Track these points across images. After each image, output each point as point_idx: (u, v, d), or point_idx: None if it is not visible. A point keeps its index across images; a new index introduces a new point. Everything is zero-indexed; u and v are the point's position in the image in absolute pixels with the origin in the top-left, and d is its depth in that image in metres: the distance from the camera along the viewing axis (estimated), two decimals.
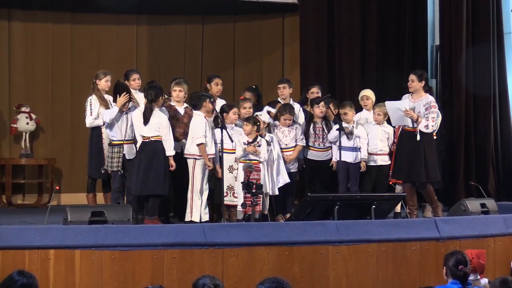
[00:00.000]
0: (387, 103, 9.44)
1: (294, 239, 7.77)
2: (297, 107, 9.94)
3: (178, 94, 9.27)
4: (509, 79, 11.84)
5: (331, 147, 9.82)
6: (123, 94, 8.93)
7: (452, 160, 11.66)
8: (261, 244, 7.64)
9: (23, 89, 12.13)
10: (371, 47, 12.15)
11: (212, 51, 12.97)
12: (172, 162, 8.72)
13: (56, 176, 11.85)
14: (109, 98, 9.41)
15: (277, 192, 9.23)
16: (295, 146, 9.62)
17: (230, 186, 8.94)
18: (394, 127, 9.88)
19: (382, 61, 12.13)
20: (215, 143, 8.97)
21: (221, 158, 8.91)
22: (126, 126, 8.98)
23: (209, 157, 8.89)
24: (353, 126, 9.73)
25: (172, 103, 9.28)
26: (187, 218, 8.84)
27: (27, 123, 11.73)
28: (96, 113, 9.32)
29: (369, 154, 9.81)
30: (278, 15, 13.13)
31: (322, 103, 9.80)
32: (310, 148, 9.81)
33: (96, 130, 9.39)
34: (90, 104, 9.35)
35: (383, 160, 9.86)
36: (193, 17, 13.00)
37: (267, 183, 8.99)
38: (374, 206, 8.43)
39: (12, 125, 11.77)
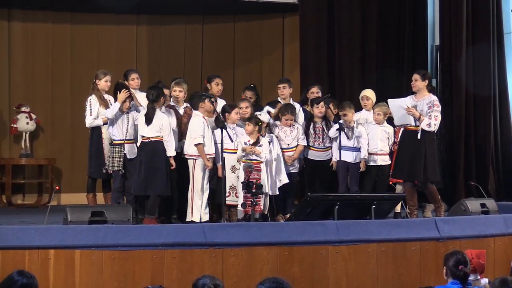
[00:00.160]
0: (390, 101, 9.46)
1: (294, 239, 7.77)
2: (297, 107, 9.93)
3: (178, 94, 9.31)
4: (509, 79, 11.83)
5: (331, 147, 9.82)
6: (123, 90, 8.95)
7: (452, 160, 11.65)
8: (261, 244, 7.64)
9: (23, 89, 12.12)
10: (371, 47, 12.14)
11: (212, 51, 12.96)
12: (172, 161, 8.73)
13: (56, 176, 11.84)
14: (109, 98, 9.42)
15: (277, 192, 9.23)
16: (296, 146, 9.61)
17: (233, 186, 8.95)
18: (394, 127, 9.89)
19: (382, 61, 12.11)
20: (216, 143, 8.96)
21: (223, 158, 8.91)
22: (127, 125, 9.00)
23: (208, 157, 8.89)
24: (353, 126, 9.73)
25: (172, 103, 9.29)
26: (188, 218, 8.84)
27: (27, 123, 11.72)
28: (95, 113, 9.32)
29: (369, 154, 9.80)
30: (278, 15, 13.11)
31: (321, 103, 9.80)
32: (310, 148, 9.80)
33: (96, 130, 9.39)
34: (90, 104, 9.35)
35: (383, 160, 9.85)
36: (193, 17, 12.99)
37: (266, 183, 8.98)
38: (374, 206, 8.43)
39: (12, 125, 11.76)
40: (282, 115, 9.57)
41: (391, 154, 9.90)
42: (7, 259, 7.01)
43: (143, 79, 10.03)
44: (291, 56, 12.82)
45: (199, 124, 8.92)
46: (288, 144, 9.57)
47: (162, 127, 8.68)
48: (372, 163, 9.83)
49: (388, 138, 9.90)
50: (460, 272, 5.89)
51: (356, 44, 12.12)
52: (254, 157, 8.93)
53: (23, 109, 11.75)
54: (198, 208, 8.83)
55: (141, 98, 9.36)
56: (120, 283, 7.25)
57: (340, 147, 9.52)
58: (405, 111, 9.14)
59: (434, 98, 9.31)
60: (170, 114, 8.99)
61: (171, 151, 8.73)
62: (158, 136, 8.68)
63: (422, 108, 9.19)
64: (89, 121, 9.36)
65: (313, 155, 9.84)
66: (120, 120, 9.02)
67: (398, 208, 9.57)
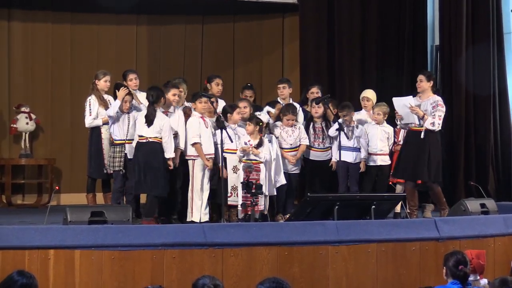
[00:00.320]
0: (395, 99, 9.50)
1: (294, 239, 7.76)
2: (296, 107, 9.92)
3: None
4: (508, 79, 11.82)
5: (330, 147, 9.81)
6: (121, 88, 8.95)
7: (452, 160, 11.64)
8: (261, 244, 7.64)
9: (23, 89, 12.10)
10: (371, 47, 12.14)
11: (211, 51, 12.95)
12: (170, 162, 8.70)
13: (55, 176, 11.82)
14: (109, 98, 9.42)
15: (274, 193, 9.21)
16: (299, 146, 9.60)
17: (235, 187, 8.94)
18: (394, 127, 9.90)
19: (382, 61, 12.11)
20: (216, 144, 8.95)
21: (224, 159, 8.91)
22: (128, 125, 9.00)
23: (207, 156, 8.89)
24: (353, 126, 9.72)
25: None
26: (188, 219, 8.83)
27: (27, 123, 11.70)
28: (95, 113, 9.32)
29: (369, 154, 9.80)
30: (278, 15, 13.10)
31: (317, 104, 9.78)
32: (310, 148, 9.78)
33: (96, 130, 9.39)
34: (89, 104, 9.35)
35: (383, 160, 9.84)
36: (193, 17, 12.98)
37: (265, 183, 8.97)
38: (374, 206, 8.43)
39: (11, 125, 11.73)
40: (284, 115, 9.56)
41: (391, 154, 9.90)
42: (7, 259, 7.00)
43: (143, 79, 10.02)
44: (291, 56, 12.81)
45: (194, 124, 8.92)
46: (291, 144, 9.56)
47: (162, 127, 8.66)
48: (371, 163, 9.82)
49: (388, 138, 9.89)
50: (460, 272, 5.88)
51: (356, 44, 12.12)
52: (253, 157, 8.92)
53: (22, 109, 11.73)
54: (198, 208, 8.82)
55: (141, 98, 9.38)
56: (120, 283, 7.24)
57: (340, 147, 9.51)
58: (409, 110, 9.16)
59: (438, 98, 9.35)
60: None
61: (169, 153, 8.69)
62: (157, 137, 8.66)
63: (426, 108, 9.22)
64: (89, 121, 9.36)
65: (312, 155, 9.82)
66: (121, 120, 9.01)
67: (398, 208, 9.56)
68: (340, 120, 9.56)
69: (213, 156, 8.95)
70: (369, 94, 10.26)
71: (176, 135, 8.86)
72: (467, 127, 11.61)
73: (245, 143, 8.95)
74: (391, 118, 9.96)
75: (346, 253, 7.87)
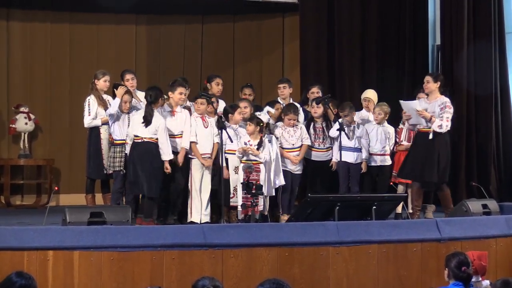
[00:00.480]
0: (402, 103, 9.47)
1: (294, 240, 7.73)
2: (297, 106, 9.89)
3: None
4: (510, 78, 11.78)
5: (331, 147, 9.77)
6: (120, 87, 8.95)
7: (453, 160, 11.55)
8: (261, 245, 7.61)
9: (22, 89, 12.09)
10: (372, 46, 12.11)
11: (211, 51, 12.93)
12: (167, 165, 8.61)
13: (55, 176, 11.81)
14: (108, 98, 9.41)
15: (273, 193, 9.17)
16: (301, 146, 9.56)
17: (236, 187, 8.90)
18: (396, 127, 9.87)
19: (382, 60, 12.08)
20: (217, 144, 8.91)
21: (226, 159, 8.87)
22: (128, 125, 8.95)
23: (204, 156, 8.84)
24: (354, 127, 9.68)
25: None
26: (188, 219, 8.79)
27: (26, 123, 11.69)
28: (94, 113, 9.31)
29: (370, 154, 9.77)
30: (278, 15, 13.08)
31: (317, 104, 9.75)
32: (310, 148, 9.74)
33: (95, 130, 9.36)
34: (88, 104, 9.34)
35: (383, 161, 9.81)
36: (192, 17, 12.96)
37: (264, 183, 8.93)
38: (374, 207, 8.40)
39: (10, 125, 11.73)
40: (285, 115, 9.52)
41: (392, 154, 9.87)
42: (5, 260, 6.96)
43: (143, 78, 10.00)
44: (291, 56, 12.79)
45: (192, 123, 8.88)
46: (293, 144, 9.52)
47: (158, 128, 8.60)
48: (372, 164, 9.79)
49: (388, 139, 9.86)
50: (463, 274, 5.85)
51: (357, 43, 12.09)
52: (253, 157, 8.88)
53: (21, 109, 11.72)
54: (197, 209, 8.78)
55: (141, 97, 9.35)
56: (119, 284, 7.21)
57: (341, 147, 9.47)
58: (417, 113, 9.15)
59: (446, 100, 9.33)
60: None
61: (166, 155, 8.60)
62: (152, 138, 8.60)
63: (434, 110, 9.22)
64: (88, 121, 9.34)
65: (313, 155, 9.78)
66: (121, 120, 8.99)
67: (399, 209, 9.52)
68: (340, 120, 9.52)
69: (210, 155, 8.89)
70: (370, 94, 10.24)
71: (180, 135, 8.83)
72: (469, 127, 11.56)
73: (245, 143, 8.92)
74: (392, 118, 9.92)
75: (347, 254, 7.84)
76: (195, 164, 8.87)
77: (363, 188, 9.74)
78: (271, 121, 9.67)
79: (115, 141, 9.01)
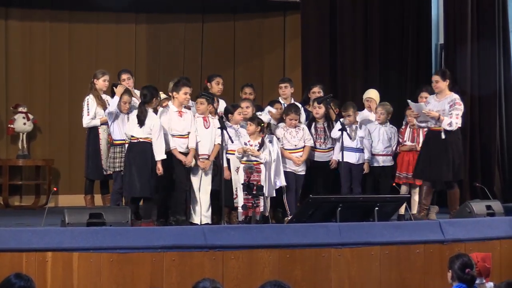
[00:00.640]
0: (410, 102, 9.41)
1: (296, 241, 7.70)
2: (299, 106, 9.83)
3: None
4: None
5: (333, 147, 9.71)
6: (119, 85, 8.91)
7: None
8: (262, 246, 7.58)
9: (21, 89, 12.07)
10: (374, 46, 12.04)
11: (212, 50, 12.88)
12: (159, 165, 8.46)
13: (53, 177, 11.80)
14: (107, 98, 9.38)
15: (274, 194, 9.12)
16: (303, 147, 9.48)
17: (237, 188, 8.84)
18: (399, 127, 9.82)
19: (385, 60, 12.01)
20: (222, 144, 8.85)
21: (228, 160, 8.81)
22: None
23: (201, 157, 8.76)
24: (356, 127, 9.62)
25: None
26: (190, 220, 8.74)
27: (24, 124, 11.65)
28: (93, 113, 9.28)
29: (372, 154, 9.71)
30: (279, 14, 13.05)
31: (315, 103, 9.67)
32: (312, 149, 9.67)
33: (93, 131, 9.32)
34: (87, 104, 9.31)
35: (386, 161, 9.76)
36: (192, 16, 12.93)
37: (265, 184, 8.87)
38: (377, 208, 8.34)
39: (9, 125, 11.71)
40: (286, 115, 9.46)
41: (395, 155, 9.81)
42: (4, 262, 6.92)
43: (142, 78, 9.97)
44: (293, 55, 12.75)
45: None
46: (296, 145, 9.45)
47: (152, 128, 8.51)
48: (374, 164, 9.75)
49: (391, 139, 9.80)
50: (467, 276, 5.81)
51: (359, 42, 12.02)
52: (253, 158, 8.81)
53: (20, 109, 11.69)
54: (194, 210, 8.71)
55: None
56: (118, 286, 7.18)
57: (343, 148, 9.39)
58: (425, 113, 9.12)
59: (455, 96, 9.31)
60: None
61: (159, 155, 8.47)
62: (147, 138, 8.53)
63: (444, 108, 9.19)
64: (86, 121, 9.31)
65: (314, 156, 9.71)
66: (120, 120, 8.93)
67: (402, 210, 9.46)
68: (342, 120, 9.45)
69: (208, 156, 8.81)
70: (373, 94, 10.18)
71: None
72: (472, 127, 11.51)
73: (245, 144, 8.86)
74: (395, 118, 9.86)
75: (349, 255, 7.81)
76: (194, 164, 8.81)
77: (365, 189, 9.70)
78: (272, 122, 9.60)
79: (114, 142, 8.96)
